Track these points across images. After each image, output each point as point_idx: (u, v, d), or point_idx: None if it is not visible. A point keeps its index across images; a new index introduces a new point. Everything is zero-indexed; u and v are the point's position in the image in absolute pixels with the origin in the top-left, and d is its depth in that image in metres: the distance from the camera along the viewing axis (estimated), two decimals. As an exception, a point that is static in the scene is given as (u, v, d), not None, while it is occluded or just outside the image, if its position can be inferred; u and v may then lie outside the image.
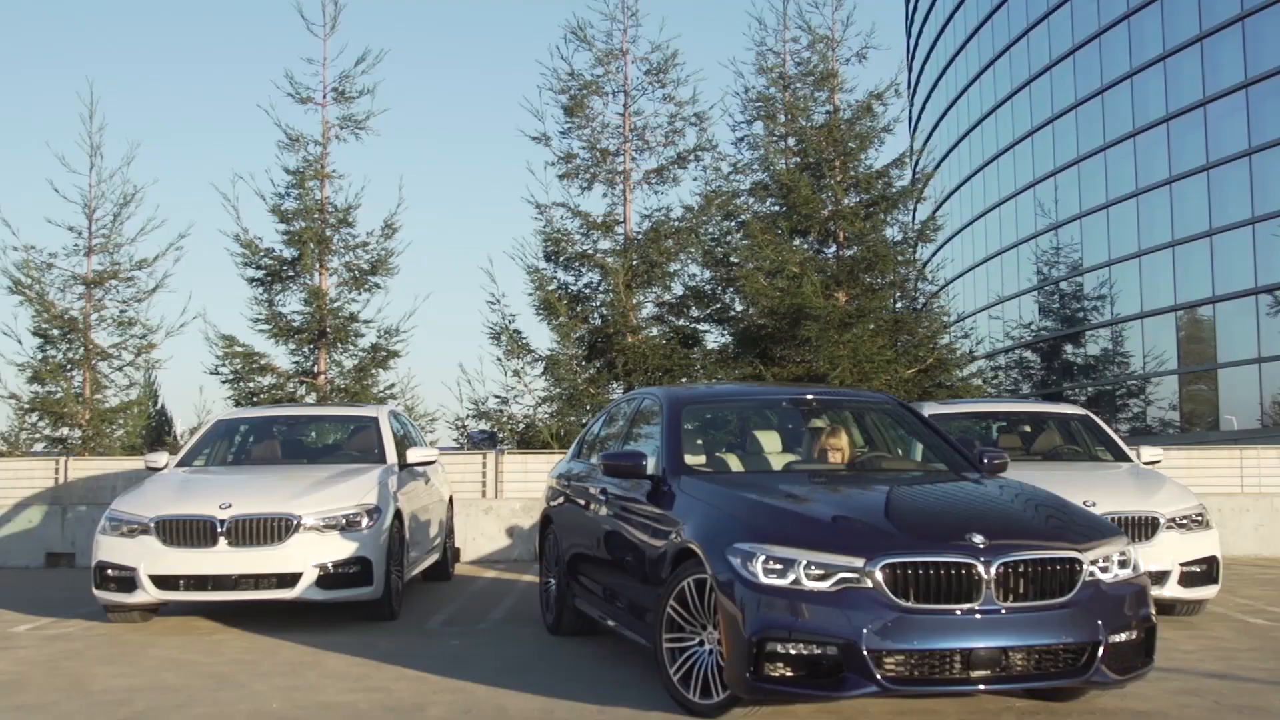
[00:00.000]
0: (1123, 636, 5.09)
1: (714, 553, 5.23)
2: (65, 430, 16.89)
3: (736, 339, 18.27)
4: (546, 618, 8.17)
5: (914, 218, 20.86)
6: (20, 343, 16.93)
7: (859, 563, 4.92)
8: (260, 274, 17.28)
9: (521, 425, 17.37)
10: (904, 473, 6.76)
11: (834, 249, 18.69)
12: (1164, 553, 8.11)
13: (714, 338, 18.68)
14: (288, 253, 17.23)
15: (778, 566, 4.99)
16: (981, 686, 4.97)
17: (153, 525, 8.08)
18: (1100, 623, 4.99)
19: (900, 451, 7.27)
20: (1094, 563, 5.15)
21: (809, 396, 7.69)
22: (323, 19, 17.76)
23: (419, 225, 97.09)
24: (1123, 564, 5.27)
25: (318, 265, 17.17)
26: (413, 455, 9.68)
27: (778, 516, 5.45)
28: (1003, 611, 4.90)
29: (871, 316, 17.62)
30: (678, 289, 18.33)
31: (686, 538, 5.56)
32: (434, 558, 10.60)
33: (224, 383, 16.92)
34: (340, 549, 8.14)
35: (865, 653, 4.78)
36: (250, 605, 8.55)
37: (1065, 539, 5.21)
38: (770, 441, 7.04)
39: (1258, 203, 31.25)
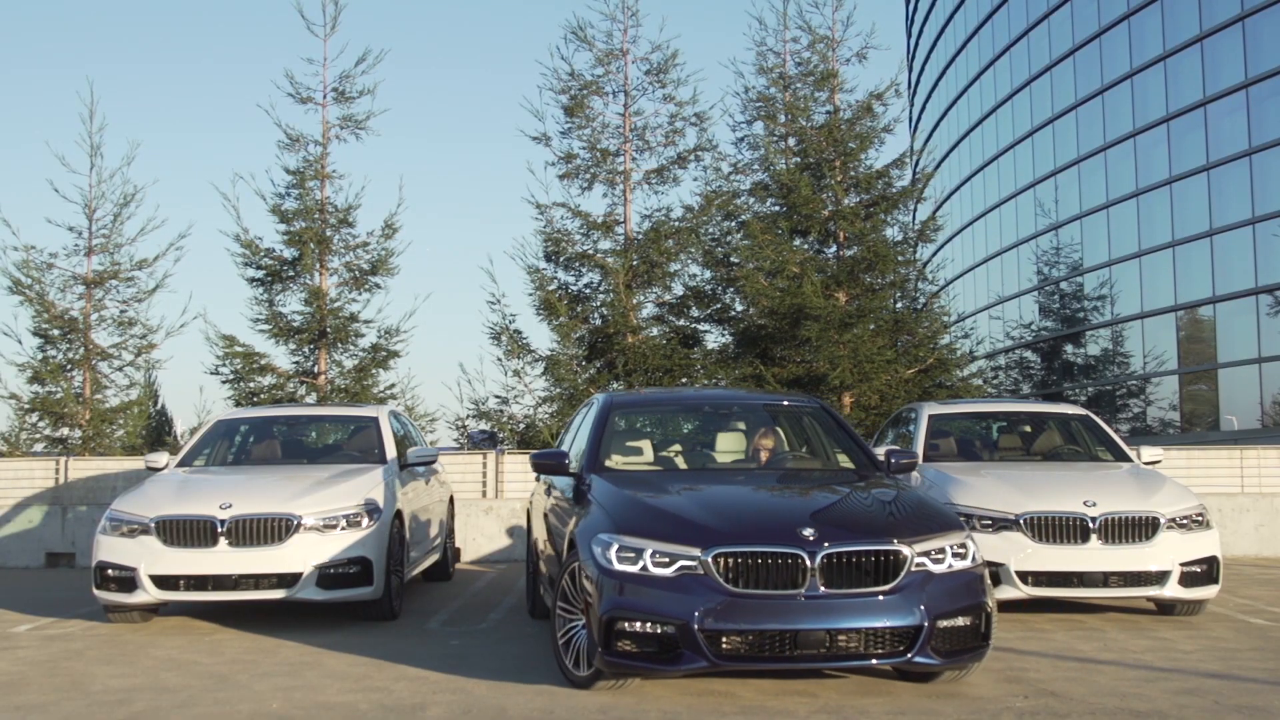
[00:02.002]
0: (953, 622, 5.58)
1: (584, 542, 5.89)
2: (65, 430, 16.88)
3: (737, 339, 18.27)
4: (528, 603, 8.89)
5: (914, 218, 20.85)
6: (20, 343, 16.96)
7: (696, 552, 5.53)
8: (260, 274, 17.29)
9: (521, 425, 17.38)
10: (800, 472, 7.29)
11: (834, 249, 18.68)
12: (1164, 553, 8.14)
13: (714, 338, 18.71)
14: (288, 253, 17.24)
15: (630, 554, 5.61)
16: (808, 664, 5.52)
17: (153, 525, 8.08)
18: (923, 608, 5.48)
19: (837, 451, 7.66)
20: (924, 554, 5.64)
21: (730, 401, 8.42)
22: (323, 19, 17.81)
23: (419, 225, 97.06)
24: (959, 555, 5.74)
25: (318, 265, 17.18)
26: (413, 455, 9.69)
27: (640, 511, 6.01)
28: (827, 597, 5.42)
29: (871, 316, 17.61)
30: (678, 289, 18.35)
31: (574, 529, 6.16)
32: (434, 558, 10.61)
33: (224, 383, 16.96)
34: (340, 549, 8.14)
35: (698, 632, 5.36)
36: (250, 605, 8.57)
37: (894, 533, 5.71)
38: (722, 441, 7.69)
39: (1258, 203, 31.24)
